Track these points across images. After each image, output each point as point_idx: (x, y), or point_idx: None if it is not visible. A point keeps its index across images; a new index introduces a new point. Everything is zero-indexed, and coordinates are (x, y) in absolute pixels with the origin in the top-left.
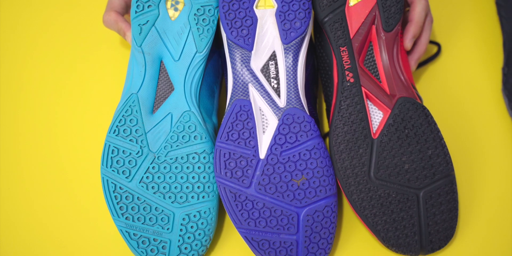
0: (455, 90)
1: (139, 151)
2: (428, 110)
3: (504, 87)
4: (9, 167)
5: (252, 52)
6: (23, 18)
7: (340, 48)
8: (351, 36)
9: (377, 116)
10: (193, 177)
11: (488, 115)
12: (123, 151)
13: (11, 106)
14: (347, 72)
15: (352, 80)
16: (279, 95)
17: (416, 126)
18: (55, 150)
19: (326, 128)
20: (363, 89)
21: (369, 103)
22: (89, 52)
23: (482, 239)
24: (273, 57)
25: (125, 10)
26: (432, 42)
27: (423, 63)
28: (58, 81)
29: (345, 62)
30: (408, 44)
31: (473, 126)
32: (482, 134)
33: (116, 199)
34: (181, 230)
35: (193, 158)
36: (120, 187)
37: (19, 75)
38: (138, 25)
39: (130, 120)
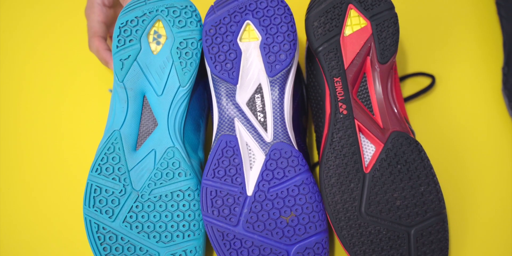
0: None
1: (122, 189)
2: (421, 146)
3: (504, 87)
4: (9, 167)
5: (237, 86)
6: (25, 21)
7: (334, 78)
8: (345, 67)
9: (369, 150)
10: (178, 216)
11: (488, 115)
12: (106, 190)
13: (12, 108)
14: (340, 104)
15: (345, 112)
16: (266, 129)
17: (409, 162)
18: (55, 150)
19: (316, 158)
20: (356, 121)
21: (362, 136)
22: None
23: None
24: (258, 90)
25: (107, 31)
26: (425, 74)
27: (416, 95)
28: (60, 83)
29: (338, 93)
30: None
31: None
32: (482, 134)
33: (99, 239)
34: None
35: (178, 195)
36: (103, 227)
37: (20, 77)
38: (120, 60)
39: (113, 158)
